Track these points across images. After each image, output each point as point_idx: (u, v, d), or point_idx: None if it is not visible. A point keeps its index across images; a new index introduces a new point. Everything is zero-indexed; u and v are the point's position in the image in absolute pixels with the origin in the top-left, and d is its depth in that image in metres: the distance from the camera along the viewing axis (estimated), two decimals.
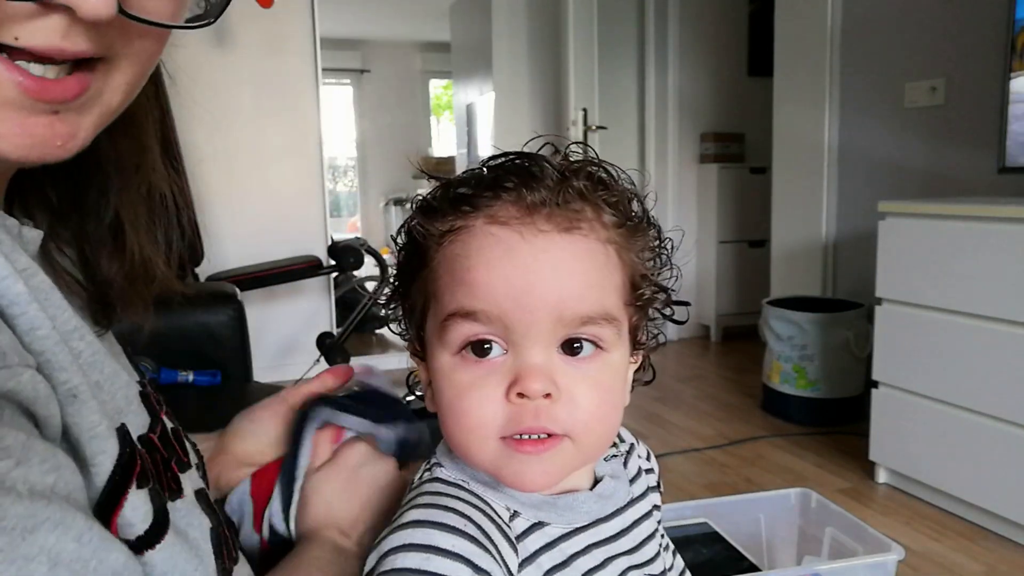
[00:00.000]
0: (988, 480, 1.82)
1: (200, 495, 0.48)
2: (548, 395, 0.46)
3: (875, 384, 2.10)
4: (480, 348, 0.47)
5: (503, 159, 0.51)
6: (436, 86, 8.22)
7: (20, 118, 0.36)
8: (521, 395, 0.46)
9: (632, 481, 0.58)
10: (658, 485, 0.62)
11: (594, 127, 3.41)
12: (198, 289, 2.14)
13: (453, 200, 0.50)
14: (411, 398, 0.63)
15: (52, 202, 0.48)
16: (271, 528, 0.61)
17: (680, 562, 0.65)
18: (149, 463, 0.42)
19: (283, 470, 0.63)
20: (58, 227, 0.48)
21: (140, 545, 0.39)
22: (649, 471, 0.62)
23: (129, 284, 0.50)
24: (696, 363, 3.63)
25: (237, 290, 1.72)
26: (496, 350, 0.47)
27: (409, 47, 7.88)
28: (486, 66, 4.62)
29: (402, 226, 0.54)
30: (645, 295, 0.52)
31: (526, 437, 0.47)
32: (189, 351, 1.57)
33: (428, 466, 0.54)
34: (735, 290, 3.95)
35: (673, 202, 3.98)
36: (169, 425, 0.49)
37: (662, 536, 0.60)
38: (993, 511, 1.82)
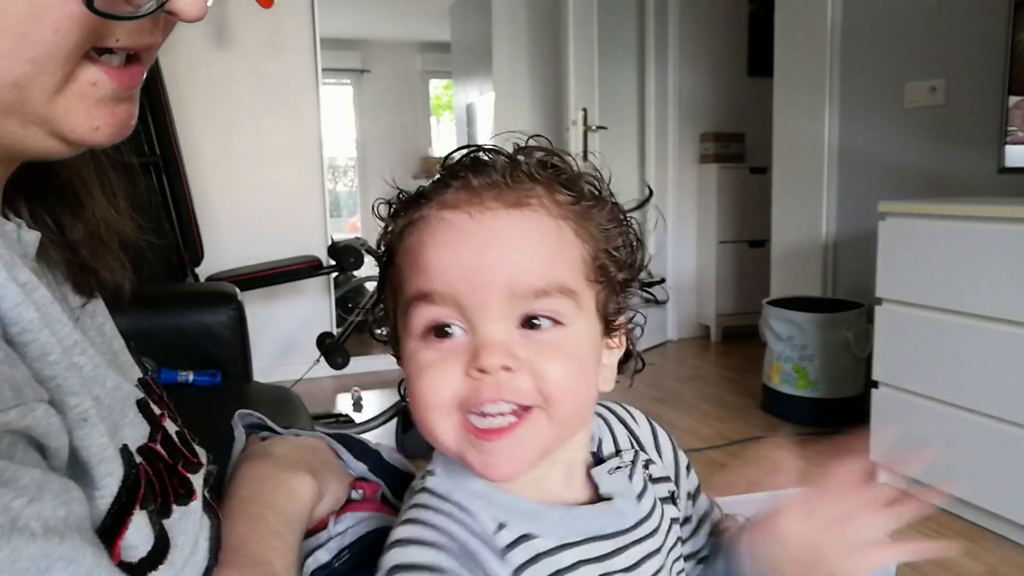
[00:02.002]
0: (988, 480, 1.82)
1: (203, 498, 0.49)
2: (508, 368, 0.46)
3: (875, 384, 2.10)
4: (441, 331, 0.48)
5: (456, 154, 0.53)
6: (436, 86, 8.22)
7: (111, 109, 0.41)
8: (481, 370, 0.46)
9: (640, 497, 0.55)
10: (671, 496, 0.59)
11: (594, 127, 3.41)
12: (198, 289, 2.15)
13: (411, 198, 0.52)
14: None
15: (27, 192, 0.50)
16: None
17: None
18: (151, 475, 0.43)
19: None
20: (39, 212, 0.50)
21: (143, 567, 0.39)
22: (660, 480, 0.59)
23: (94, 246, 0.51)
24: (696, 363, 3.63)
25: (237, 290, 1.71)
26: (457, 331, 0.48)
27: (409, 47, 7.87)
28: (486, 66, 4.62)
29: (379, 237, 0.55)
30: (609, 270, 0.52)
31: (488, 425, 0.47)
32: (189, 351, 1.57)
33: (422, 475, 0.53)
34: (735, 290, 3.95)
35: (673, 202, 3.98)
36: (173, 429, 0.49)
37: (673, 552, 0.56)
38: (993, 511, 1.82)
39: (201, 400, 1.49)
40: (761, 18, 3.74)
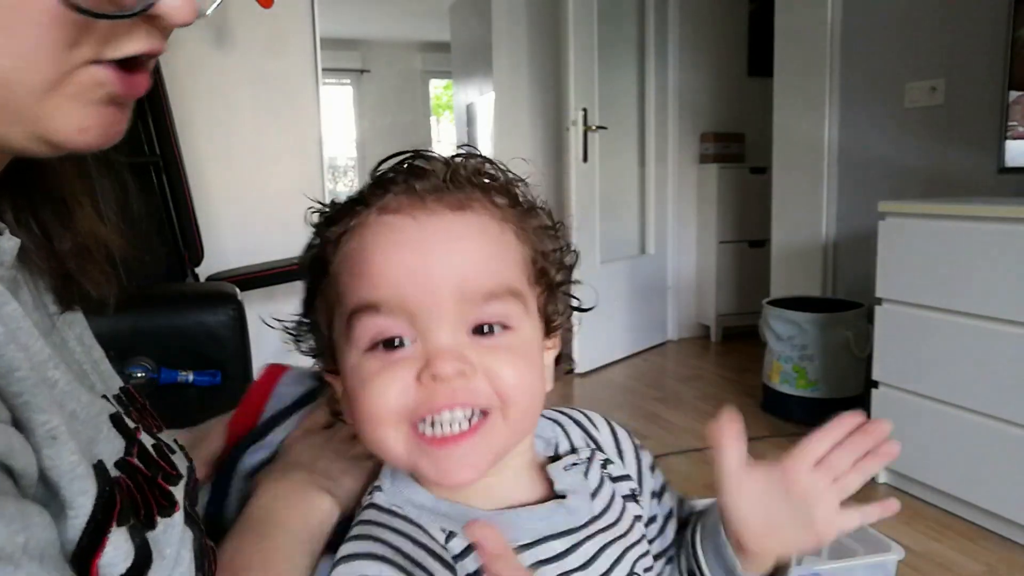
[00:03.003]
0: (988, 480, 1.82)
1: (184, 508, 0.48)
2: (463, 374, 0.45)
3: (875, 384, 2.10)
4: (390, 344, 0.46)
5: (389, 160, 0.51)
6: (436, 86, 8.23)
7: (103, 110, 0.41)
8: (435, 376, 0.45)
9: (594, 494, 0.55)
10: (633, 494, 0.58)
11: (594, 127, 3.41)
12: (198, 289, 2.15)
13: (345, 204, 0.51)
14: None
15: (12, 196, 0.49)
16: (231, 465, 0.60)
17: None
18: (132, 489, 0.42)
19: (264, 422, 0.63)
20: (16, 211, 0.49)
21: None
22: (620, 478, 0.58)
23: (80, 256, 0.50)
24: (696, 363, 3.63)
25: (237, 290, 1.71)
26: (406, 343, 0.46)
27: (409, 47, 7.88)
28: (486, 66, 4.62)
29: (305, 250, 0.53)
30: (549, 272, 0.52)
31: (441, 433, 0.45)
32: (189, 351, 1.57)
33: (369, 490, 0.53)
34: (735, 290, 3.95)
35: (673, 202, 3.98)
36: (150, 441, 0.48)
37: (637, 548, 0.56)
38: (993, 511, 1.82)
39: (201, 400, 1.49)
40: (761, 18, 3.74)
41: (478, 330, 0.47)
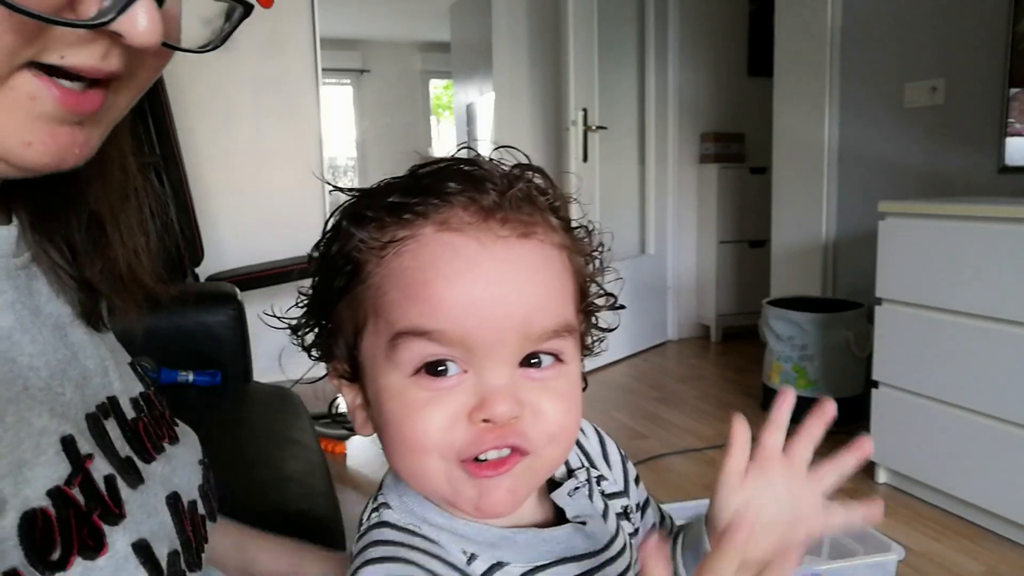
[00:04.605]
0: (988, 480, 1.82)
1: (139, 548, 0.43)
2: (515, 416, 0.43)
3: (875, 384, 2.10)
4: (434, 368, 0.44)
5: (436, 165, 0.46)
6: (436, 86, 8.22)
7: (50, 128, 0.38)
8: (488, 420, 0.43)
9: (604, 516, 0.54)
10: (625, 512, 0.57)
11: (594, 127, 3.41)
12: (198, 289, 2.15)
13: (391, 208, 0.45)
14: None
15: (32, 203, 0.48)
16: None
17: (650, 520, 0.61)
18: (53, 522, 0.38)
19: None
20: (43, 226, 0.48)
21: None
22: (614, 495, 0.57)
23: (113, 286, 0.49)
24: (696, 363, 3.63)
25: (237, 290, 1.71)
26: (453, 369, 0.44)
27: (409, 47, 7.88)
28: (486, 66, 4.62)
29: (324, 241, 0.49)
30: (591, 300, 0.50)
31: (484, 458, 0.44)
32: (189, 351, 1.57)
33: (374, 506, 0.50)
34: (735, 290, 3.95)
35: (673, 202, 3.98)
36: (104, 471, 0.44)
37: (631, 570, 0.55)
38: (993, 511, 1.82)
39: (201, 400, 1.49)
40: (761, 18, 3.74)
41: (528, 360, 0.45)
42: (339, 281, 0.47)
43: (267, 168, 3.29)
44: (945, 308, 1.88)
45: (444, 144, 8.19)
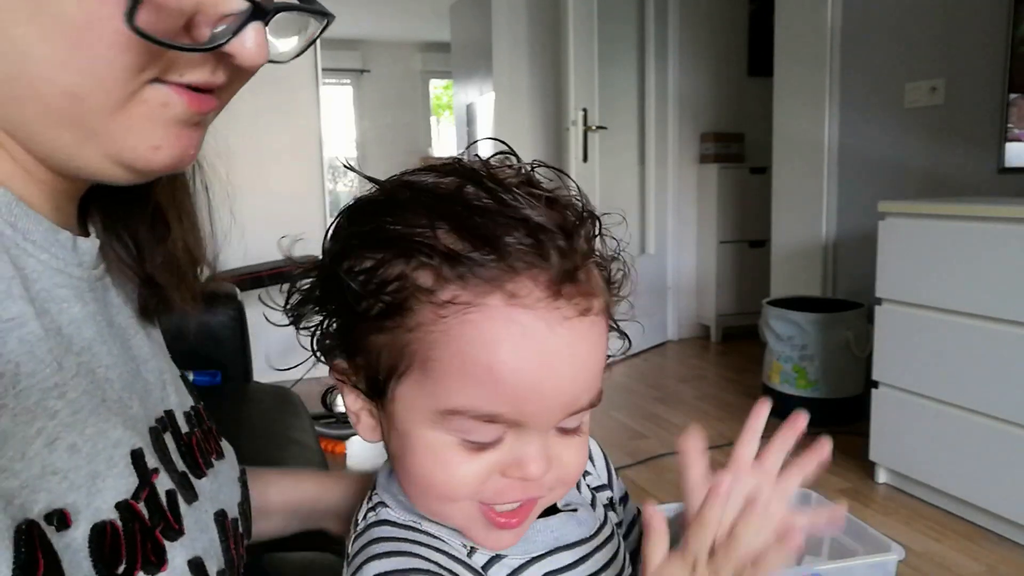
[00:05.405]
0: (988, 480, 1.82)
1: (194, 565, 0.44)
2: (544, 473, 0.45)
3: (875, 384, 2.10)
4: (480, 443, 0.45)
5: (488, 197, 0.42)
6: (436, 86, 8.22)
7: (177, 131, 0.42)
8: (522, 479, 0.45)
9: (592, 505, 0.56)
10: (611, 503, 0.60)
11: (594, 127, 3.41)
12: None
13: (451, 260, 0.41)
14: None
15: (106, 206, 0.50)
16: None
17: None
18: (121, 537, 0.39)
19: None
20: (113, 225, 0.50)
21: None
22: (599, 488, 0.60)
23: (172, 279, 0.51)
24: (696, 363, 3.63)
25: (237, 290, 1.71)
26: (497, 434, 0.45)
27: (409, 47, 7.88)
28: (486, 66, 4.62)
29: (350, 248, 0.45)
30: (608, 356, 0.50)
31: (505, 510, 0.46)
32: (189, 351, 1.56)
33: (371, 506, 0.51)
34: (735, 290, 3.95)
35: (673, 202, 3.98)
36: (167, 486, 0.44)
37: (627, 552, 0.58)
38: (993, 511, 1.82)
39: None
40: (761, 18, 3.74)
41: (564, 427, 0.46)
42: (375, 309, 0.43)
43: (267, 168, 3.29)
44: (945, 308, 1.88)
45: (444, 144, 8.19)
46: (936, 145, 2.43)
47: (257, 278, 2.76)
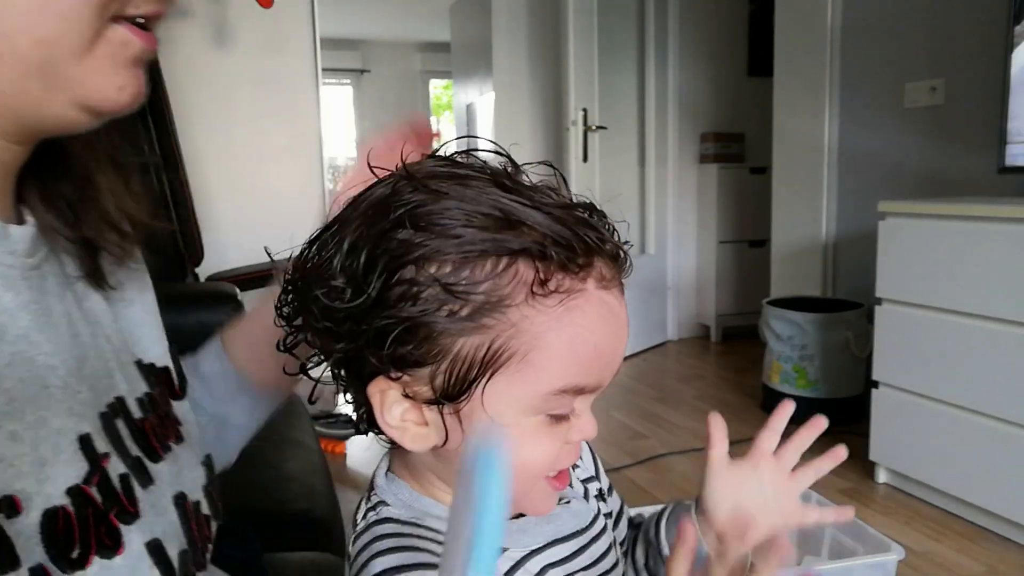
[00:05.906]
0: (988, 480, 1.82)
1: (153, 548, 0.43)
2: None
3: (875, 384, 2.10)
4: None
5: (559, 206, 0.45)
6: (436, 86, 8.23)
7: (135, 71, 0.43)
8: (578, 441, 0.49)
9: (585, 497, 0.58)
10: (600, 494, 0.61)
11: (594, 127, 3.41)
12: (198, 289, 2.14)
13: (548, 249, 0.42)
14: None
15: (40, 185, 0.49)
16: None
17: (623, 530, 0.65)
18: (73, 521, 0.39)
19: None
20: (52, 203, 0.49)
21: None
22: (589, 479, 0.61)
23: (110, 235, 0.51)
24: (696, 363, 3.63)
25: (237, 290, 1.71)
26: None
27: (409, 47, 7.88)
28: (486, 66, 4.62)
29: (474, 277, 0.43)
30: None
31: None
32: (189, 351, 1.57)
33: (370, 505, 0.51)
34: (735, 290, 3.95)
35: (673, 202, 3.98)
36: (119, 470, 0.44)
37: (618, 542, 0.60)
38: (993, 511, 1.82)
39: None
40: (761, 18, 3.74)
41: None
42: (463, 311, 0.42)
43: (267, 168, 3.29)
44: (945, 308, 1.88)
45: (444, 144, 8.19)
46: (936, 145, 2.43)
47: (257, 278, 2.76)
